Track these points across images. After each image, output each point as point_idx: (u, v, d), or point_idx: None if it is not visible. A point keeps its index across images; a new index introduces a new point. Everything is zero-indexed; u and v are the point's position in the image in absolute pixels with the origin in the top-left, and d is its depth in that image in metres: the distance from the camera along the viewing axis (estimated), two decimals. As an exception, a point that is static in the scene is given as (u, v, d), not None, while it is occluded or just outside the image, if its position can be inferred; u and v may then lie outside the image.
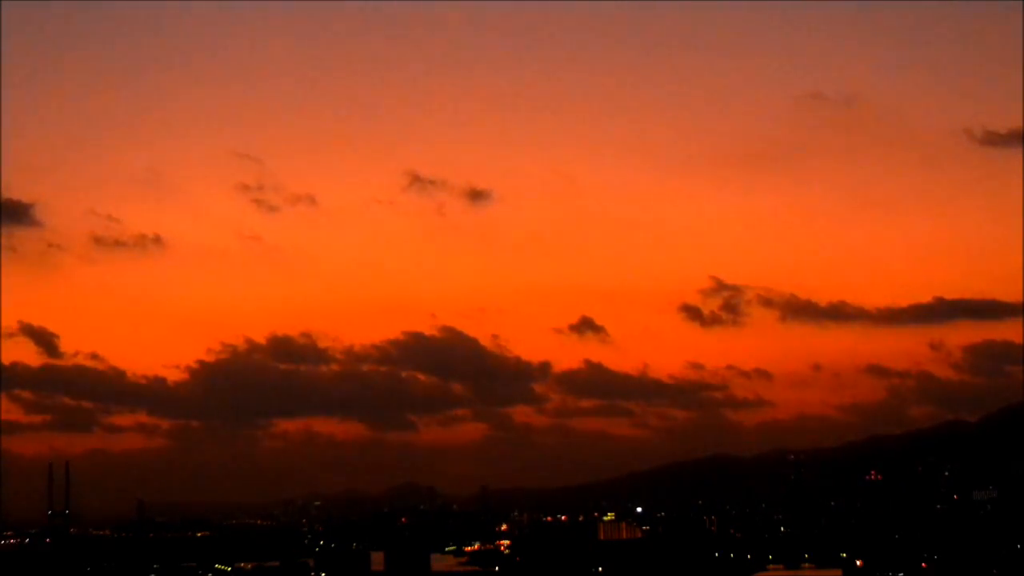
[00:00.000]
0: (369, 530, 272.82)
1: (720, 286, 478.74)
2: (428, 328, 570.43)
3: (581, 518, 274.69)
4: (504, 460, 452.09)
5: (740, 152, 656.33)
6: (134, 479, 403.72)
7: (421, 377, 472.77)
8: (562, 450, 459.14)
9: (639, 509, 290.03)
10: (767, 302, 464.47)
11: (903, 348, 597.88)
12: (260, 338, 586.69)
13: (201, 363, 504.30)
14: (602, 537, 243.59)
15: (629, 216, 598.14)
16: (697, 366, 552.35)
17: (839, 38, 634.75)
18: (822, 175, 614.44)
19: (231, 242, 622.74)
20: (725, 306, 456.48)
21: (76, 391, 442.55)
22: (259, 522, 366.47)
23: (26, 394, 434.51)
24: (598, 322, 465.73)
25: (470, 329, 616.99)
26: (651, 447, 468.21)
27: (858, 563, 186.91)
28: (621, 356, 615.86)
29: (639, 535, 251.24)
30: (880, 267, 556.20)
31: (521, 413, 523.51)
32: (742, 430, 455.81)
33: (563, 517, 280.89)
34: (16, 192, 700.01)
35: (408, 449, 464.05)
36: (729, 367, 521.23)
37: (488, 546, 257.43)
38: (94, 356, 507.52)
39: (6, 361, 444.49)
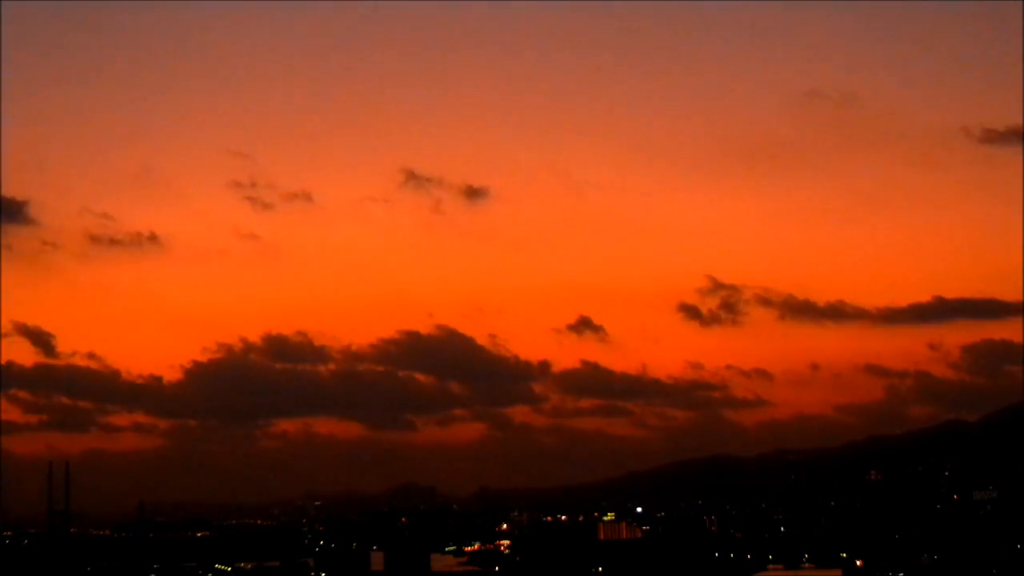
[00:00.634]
0: (369, 530, 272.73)
1: (716, 285, 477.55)
2: (425, 327, 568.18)
3: (581, 518, 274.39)
4: (503, 460, 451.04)
5: (738, 150, 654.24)
6: (133, 479, 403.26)
7: (419, 376, 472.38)
8: (562, 450, 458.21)
9: (639, 509, 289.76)
10: (765, 301, 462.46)
11: (902, 347, 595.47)
12: (255, 337, 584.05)
13: (196, 363, 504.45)
14: (602, 537, 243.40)
15: (627, 214, 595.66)
16: (696, 366, 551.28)
17: (836, 36, 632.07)
18: (819, 173, 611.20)
19: (226, 240, 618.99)
20: (723, 305, 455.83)
21: (73, 391, 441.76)
22: (259, 522, 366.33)
23: (23, 394, 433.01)
24: (596, 321, 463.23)
25: (468, 328, 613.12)
26: (651, 447, 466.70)
27: (858, 563, 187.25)
28: (620, 355, 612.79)
29: (639, 535, 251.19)
30: (879, 266, 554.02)
31: (520, 413, 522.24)
32: (742, 430, 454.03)
33: (563, 517, 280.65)
34: (10, 190, 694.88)
35: (407, 449, 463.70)
36: (728, 367, 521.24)
37: (488, 546, 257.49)
38: (91, 356, 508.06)
39: (2, 361, 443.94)
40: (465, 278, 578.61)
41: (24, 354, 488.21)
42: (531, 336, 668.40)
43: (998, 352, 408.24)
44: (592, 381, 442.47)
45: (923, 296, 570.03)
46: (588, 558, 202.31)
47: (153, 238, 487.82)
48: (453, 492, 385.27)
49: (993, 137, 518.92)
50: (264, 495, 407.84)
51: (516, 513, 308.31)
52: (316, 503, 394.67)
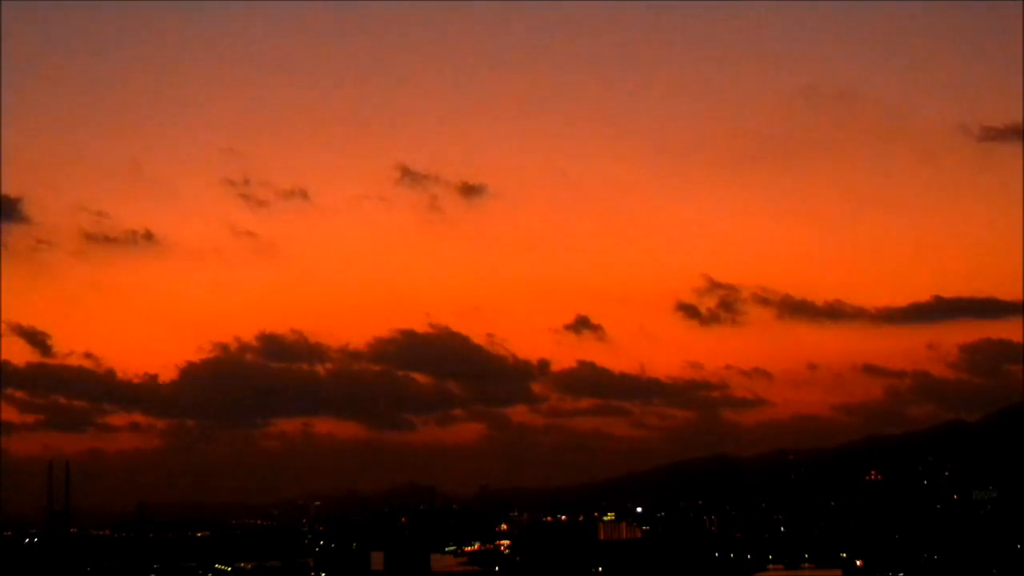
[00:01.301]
0: (369, 530, 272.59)
1: (714, 285, 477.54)
2: (421, 326, 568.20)
3: (581, 518, 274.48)
4: (503, 460, 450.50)
5: (735, 148, 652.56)
6: (131, 479, 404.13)
7: (416, 376, 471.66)
8: (561, 450, 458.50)
9: (639, 509, 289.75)
10: (763, 301, 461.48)
11: (901, 347, 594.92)
12: (250, 336, 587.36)
13: (190, 363, 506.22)
14: (602, 537, 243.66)
15: (625, 213, 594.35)
16: (695, 365, 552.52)
17: (834, 32, 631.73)
18: (817, 171, 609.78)
19: (221, 238, 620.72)
20: (721, 305, 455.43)
21: (70, 391, 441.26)
22: (259, 522, 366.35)
23: (19, 394, 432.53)
24: (594, 321, 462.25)
25: (465, 327, 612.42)
26: (650, 447, 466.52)
27: (858, 563, 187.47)
28: (618, 355, 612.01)
29: (639, 535, 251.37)
30: (877, 265, 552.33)
31: (519, 413, 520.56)
32: (741, 430, 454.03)
33: (563, 517, 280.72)
34: (3, 187, 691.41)
35: (406, 449, 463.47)
36: (728, 367, 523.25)
37: (488, 546, 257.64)
38: (88, 355, 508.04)
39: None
40: (462, 277, 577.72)
41: (20, 354, 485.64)
42: (529, 335, 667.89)
43: (997, 352, 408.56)
44: (590, 381, 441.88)
45: (922, 296, 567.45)
46: (588, 558, 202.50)
47: (148, 236, 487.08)
48: (453, 492, 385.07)
49: (992, 134, 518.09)
50: (264, 495, 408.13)
51: (516, 513, 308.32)
52: (316, 503, 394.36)
